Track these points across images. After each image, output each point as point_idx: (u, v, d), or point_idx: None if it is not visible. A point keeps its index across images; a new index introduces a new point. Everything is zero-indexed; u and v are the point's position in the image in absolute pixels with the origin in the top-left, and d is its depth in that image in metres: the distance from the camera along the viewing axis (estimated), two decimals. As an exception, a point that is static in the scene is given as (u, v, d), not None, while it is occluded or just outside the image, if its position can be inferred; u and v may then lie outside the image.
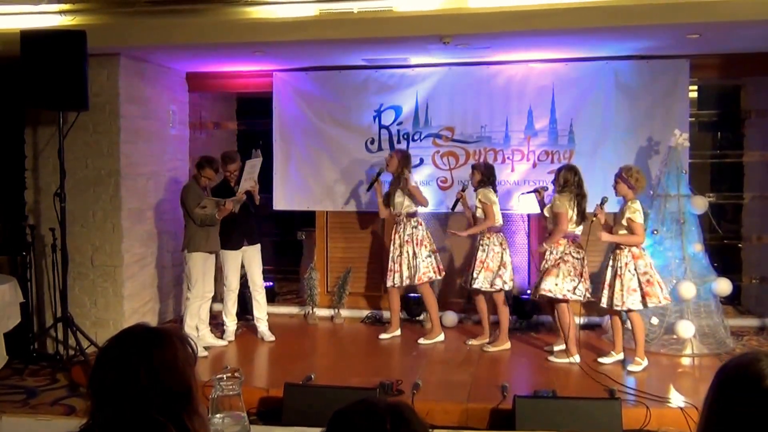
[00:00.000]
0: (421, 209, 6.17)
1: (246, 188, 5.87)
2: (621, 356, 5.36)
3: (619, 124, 6.42)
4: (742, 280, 6.83)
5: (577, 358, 5.35)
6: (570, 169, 5.51)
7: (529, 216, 6.65)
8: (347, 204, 7.01)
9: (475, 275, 5.76)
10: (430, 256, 6.01)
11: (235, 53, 6.27)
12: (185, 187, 5.94)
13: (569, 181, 5.41)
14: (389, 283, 6.10)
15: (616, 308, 5.22)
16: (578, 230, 5.45)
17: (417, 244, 5.99)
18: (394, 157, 6.07)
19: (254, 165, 5.94)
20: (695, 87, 6.91)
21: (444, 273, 6.18)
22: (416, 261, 5.96)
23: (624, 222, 5.21)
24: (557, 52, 6.29)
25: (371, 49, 6.08)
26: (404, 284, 6.04)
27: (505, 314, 5.86)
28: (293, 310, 7.21)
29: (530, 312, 6.48)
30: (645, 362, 5.22)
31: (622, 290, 5.17)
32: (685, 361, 5.57)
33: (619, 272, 5.20)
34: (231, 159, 6.07)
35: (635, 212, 5.18)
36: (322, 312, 6.99)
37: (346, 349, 6.20)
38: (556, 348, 5.59)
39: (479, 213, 5.82)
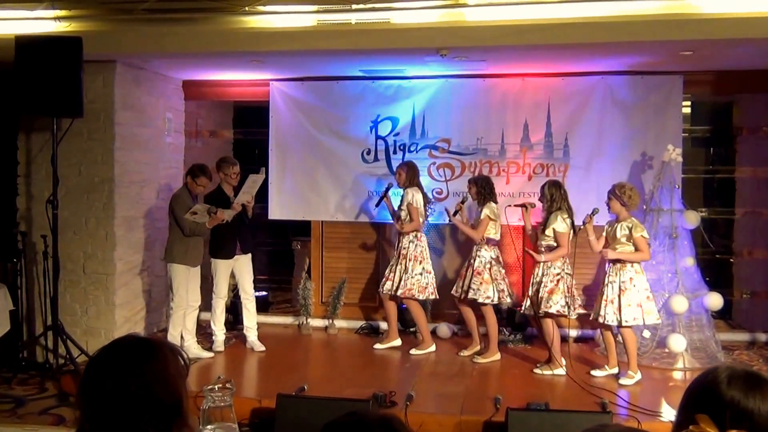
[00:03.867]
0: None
1: (243, 201, 5.87)
2: (615, 370, 5.37)
3: (614, 139, 6.47)
4: (733, 295, 6.85)
5: (562, 370, 5.37)
6: (554, 184, 5.52)
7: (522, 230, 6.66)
8: (343, 214, 7.00)
9: (472, 286, 5.76)
10: (420, 274, 6.00)
11: (232, 62, 6.27)
12: (175, 195, 5.93)
13: (555, 196, 5.42)
14: (380, 288, 6.16)
15: (626, 324, 5.18)
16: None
17: (410, 259, 5.99)
18: (401, 171, 6.10)
19: (256, 181, 5.95)
20: (688, 103, 6.97)
21: (435, 296, 6.13)
22: (405, 276, 5.97)
23: (625, 239, 5.21)
24: (553, 66, 6.34)
25: (369, 60, 6.11)
26: (392, 293, 6.04)
27: (493, 326, 5.87)
28: (287, 320, 7.17)
29: (524, 324, 6.48)
30: (638, 375, 5.23)
31: (629, 306, 5.17)
32: (677, 374, 5.58)
33: (622, 287, 5.20)
34: (232, 162, 6.09)
35: (644, 230, 5.23)
36: (316, 322, 6.98)
37: (340, 360, 6.19)
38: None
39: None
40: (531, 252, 5.55)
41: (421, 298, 6.07)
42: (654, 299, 5.28)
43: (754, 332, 6.55)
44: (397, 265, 6.05)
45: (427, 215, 6.23)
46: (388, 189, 6.29)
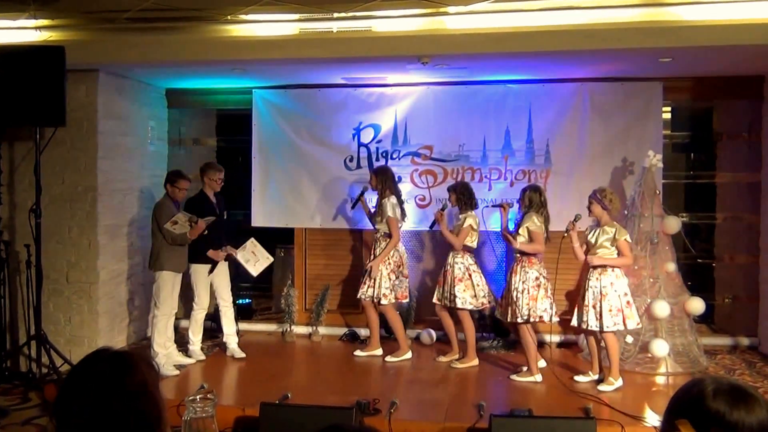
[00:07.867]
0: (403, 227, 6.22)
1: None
2: (597, 376, 5.40)
3: (595, 145, 6.52)
4: (714, 299, 6.91)
5: (539, 378, 5.40)
6: (534, 189, 5.56)
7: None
8: (326, 221, 7.01)
9: (456, 293, 5.79)
10: (396, 279, 6.02)
11: (214, 70, 6.28)
12: (158, 204, 5.91)
13: (534, 200, 5.46)
14: (358, 295, 6.14)
15: (606, 329, 5.19)
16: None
17: (384, 266, 6.00)
18: (373, 175, 6.12)
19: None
20: (668, 109, 7.03)
21: (405, 300, 6.17)
22: (378, 282, 5.97)
23: (609, 243, 5.23)
24: (534, 73, 6.39)
25: (351, 67, 6.13)
26: (367, 298, 6.04)
27: (471, 331, 5.89)
28: (271, 327, 7.16)
29: (508, 330, 6.50)
30: (619, 382, 5.25)
31: (610, 311, 5.19)
32: (660, 379, 5.62)
33: (603, 292, 5.22)
34: (218, 168, 6.12)
35: (627, 233, 5.27)
36: (300, 329, 6.97)
37: (324, 367, 6.17)
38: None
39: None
40: (507, 235, 5.57)
41: (393, 302, 6.06)
42: (633, 303, 5.31)
43: (736, 336, 6.60)
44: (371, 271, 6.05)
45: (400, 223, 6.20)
46: (363, 192, 6.33)
